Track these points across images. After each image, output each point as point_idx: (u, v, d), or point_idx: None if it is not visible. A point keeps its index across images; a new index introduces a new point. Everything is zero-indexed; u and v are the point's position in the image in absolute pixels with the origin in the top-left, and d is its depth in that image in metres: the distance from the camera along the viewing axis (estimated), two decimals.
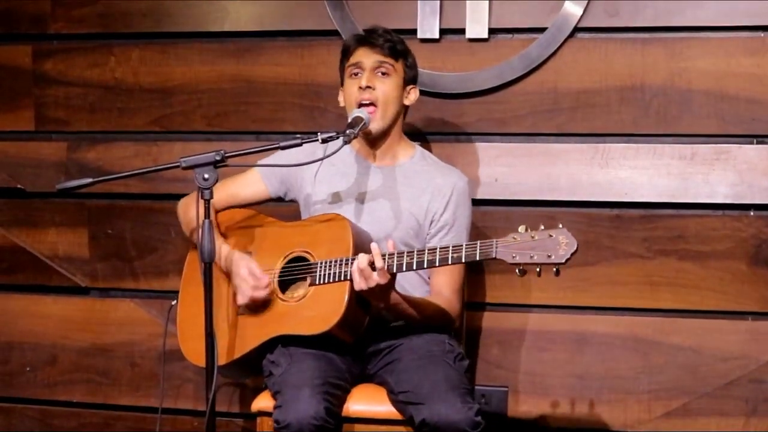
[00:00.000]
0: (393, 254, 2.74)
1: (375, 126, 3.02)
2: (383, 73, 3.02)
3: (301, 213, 3.15)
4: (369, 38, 3.04)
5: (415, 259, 2.73)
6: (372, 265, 2.71)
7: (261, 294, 2.92)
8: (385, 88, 3.02)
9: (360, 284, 2.74)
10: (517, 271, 2.63)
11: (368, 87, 2.99)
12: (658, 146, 3.34)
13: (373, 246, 2.74)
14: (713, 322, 3.35)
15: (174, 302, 3.14)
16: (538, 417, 3.46)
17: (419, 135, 3.45)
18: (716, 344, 3.34)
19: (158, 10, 3.64)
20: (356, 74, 3.03)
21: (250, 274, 2.92)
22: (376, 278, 2.72)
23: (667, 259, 3.35)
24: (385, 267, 2.71)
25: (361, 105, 2.99)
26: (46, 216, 3.79)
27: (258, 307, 2.95)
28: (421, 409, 2.70)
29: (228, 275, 3.01)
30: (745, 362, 3.33)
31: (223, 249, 3.01)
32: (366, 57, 3.02)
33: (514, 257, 2.62)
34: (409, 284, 3.03)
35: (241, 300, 2.95)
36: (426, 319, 2.95)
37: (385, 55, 3.02)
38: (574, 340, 3.43)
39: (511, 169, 3.43)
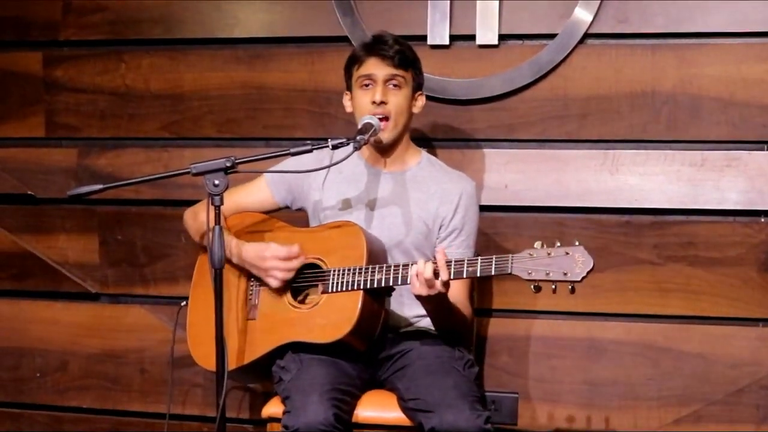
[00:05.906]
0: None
1: (387, 136, 3.01)
2: (395, 85, 3.00)
3: (309, 221, 3.14)
4: (380, 49, 2.99)
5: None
6: (436, 273, 2.69)
7: (292, 270, 2.91)
8: (398, 101, 3.00)
9: (420, 290, 2.72)
10: (532, 287, 2.62)
11: (382, 102, 2.98)
12: (669, 152, 3.34)
13: (440, 257, 2.69)
14: (723, 329, 3.34)
15: (183, 303, 3.13)
16: (547, 423, 3.45)
17: (428, 141, 3.45)
18: (726, 351, 3.34)
19: (169, 17, 3.65)
20: (367, 85, 3.00)
21: (274, 257, 2.91)
22: (439, 287, 2.71)
23: (678, 265, 3.34)
24: (450, 277, 2.69)
25: None
26: (57, 222, 3.80)
27: (272, 309, 2.94)
28: (431, 416, 2.70)
29: (243, 268, 2.99)
30: (756, 369, 3.32)
31: (233, 243, 2.98)
32: (378, 69, 2.99)
33: (530, 274, 2.61)
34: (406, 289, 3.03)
35: (275, 284, 2.92)
36: (456, 324, 2.96)
37: (396, 66, 2.99)
38: (584, 347, 3.43)
39: (521, 175, 3.42)
